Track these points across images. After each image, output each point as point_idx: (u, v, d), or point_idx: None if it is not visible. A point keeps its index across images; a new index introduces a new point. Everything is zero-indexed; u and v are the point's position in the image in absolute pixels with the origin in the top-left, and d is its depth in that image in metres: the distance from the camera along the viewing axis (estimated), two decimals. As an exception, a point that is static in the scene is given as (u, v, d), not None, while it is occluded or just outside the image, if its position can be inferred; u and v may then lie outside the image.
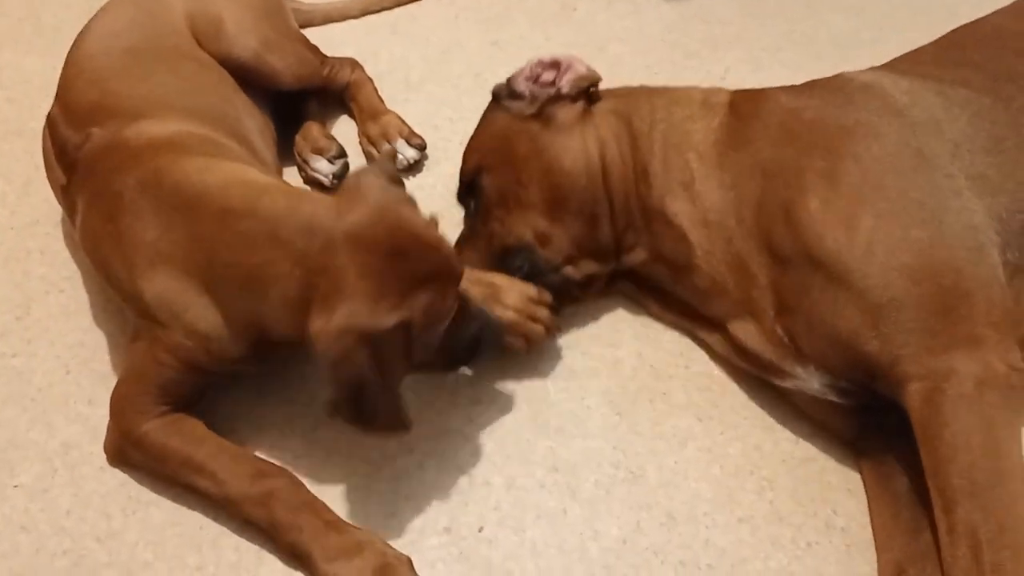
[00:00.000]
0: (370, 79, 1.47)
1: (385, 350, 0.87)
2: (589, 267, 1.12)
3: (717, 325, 1.10)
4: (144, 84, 1.13)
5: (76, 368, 1.14)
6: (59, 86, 1.17)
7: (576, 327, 1.18)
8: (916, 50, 1.15)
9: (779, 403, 1.10)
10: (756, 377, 1.10)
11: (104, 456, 1.05)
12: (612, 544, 0.98)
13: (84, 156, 1.06)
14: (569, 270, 1.11)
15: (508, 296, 1.07)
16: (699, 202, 1.06)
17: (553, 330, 1.10)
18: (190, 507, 1.01)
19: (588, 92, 1.14)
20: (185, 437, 1.00)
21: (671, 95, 1.14)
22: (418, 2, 1.68)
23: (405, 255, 0.88)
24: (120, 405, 1.03)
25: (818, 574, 0.96)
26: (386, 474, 1.04)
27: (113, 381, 1.11)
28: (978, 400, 0.87)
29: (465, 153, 1.17)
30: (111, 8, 1.25)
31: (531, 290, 1.08)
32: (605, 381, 1.13)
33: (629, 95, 1.15)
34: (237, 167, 1.01)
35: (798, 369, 1.02)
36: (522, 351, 1.09)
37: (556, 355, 1.15)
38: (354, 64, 1.47)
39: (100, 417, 1.09)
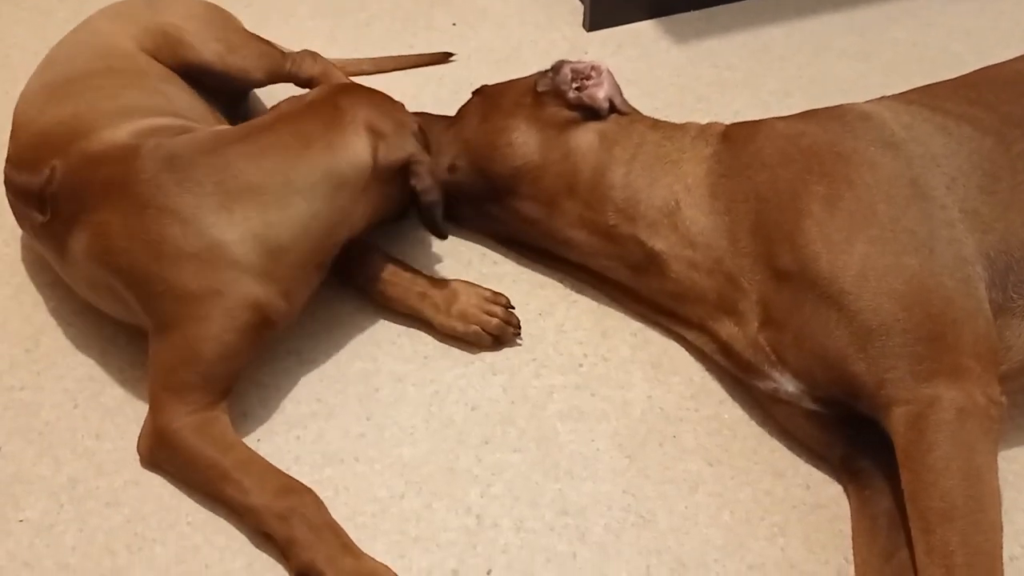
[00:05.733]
0: (335, 67, 1.46)
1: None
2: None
3: (696, 324, 1.14)
4: (74, 106, 1.15)
5: (84, 402, 1.14)
6: (8, 147, 1.19)
7: (585, 368, 1.18)
8: (934, 84, 1.18)
9: (789, 447, 1.09)
10: (740, 381, 1.13)
11: (110, 492, 1.05)
12: (622, 590, 0.97)
13: (61, 186, 1.08)
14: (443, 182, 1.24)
15: (463, 296, 1.19)
16: (683, 227, 1.10)
17: (512, 322, 1.19)
18: (195, 546, 1.00)
19: (589, 107, 1.20)
20: (215, 440, 1.02)
21: (667, 131, 1.19)
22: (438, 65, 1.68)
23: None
24: (161, 398, 1.04)
25: (830, 623, 0.95)
26: (394, 514, 1.03)
27: (122, 416, 1.12)
28: (960, 428, 0.90)
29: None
30: (44, 60, 1.29)
31: (485, 292, 1.20)
32: (614, 423, 1.12)
33: (628, 124, 1.19)
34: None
35: (775, 373, 1.05)
36: (487, 344, 1.18)
37: (565, 396, 1.15)
38: (315, 56, 1.46)
39: (107, 452, 1.09)
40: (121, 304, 1.09)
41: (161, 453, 1.05)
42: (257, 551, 1.00)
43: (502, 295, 1.21)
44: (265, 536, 0.99)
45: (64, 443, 1.10)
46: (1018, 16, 1.79)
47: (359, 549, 0.97)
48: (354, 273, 1.22)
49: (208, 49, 1.31)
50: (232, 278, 1.03)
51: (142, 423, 1.09)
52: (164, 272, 1.02)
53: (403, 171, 1.14)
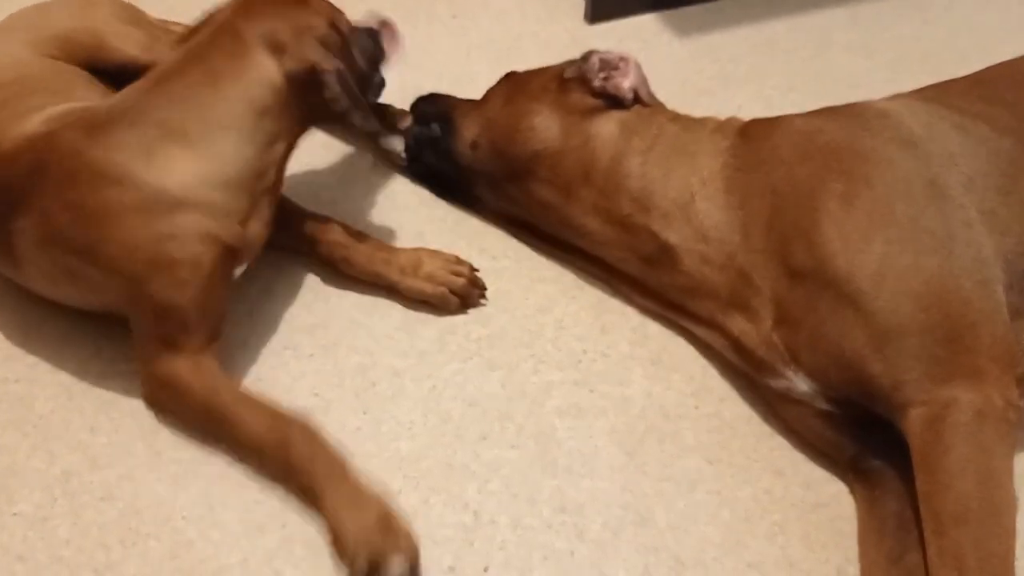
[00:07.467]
0: None
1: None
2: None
3: (706, 320, 1.13)
4: None
5: (79, 395, 1.13)
6: None
7: (584, 364, 1.17)
8: (950, 81, 1.17)
9: (790, 446, 1.09)
10: (741, 379, 1.11)
11: (104, 486, 1.04)
12: (619, 588, 0.97)
13: None
14: (466, 159, 1.27)
15: (428, 260, 1.21)
16: (697, 220, 1.10)
17: (478, 283, 1.22)
18: (190, 541, 1.00)
19: (613, 96, 1.19)
20: (208, 381, 1.05)
21: (686, 123, 1.18)
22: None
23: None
24: (150, 348, 1.06)
25: (829, 623, 0.95)
26: (390, 510, 1.03)
27: (116, 409, 1.11)
28: (977, 431, 0.89)
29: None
30: None
31: (450, 256, 1.22)
32: (613, 420, 1.12)
33: (650, 115, 1.19)
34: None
35: (788, 372, 1.04)
36: (453, 306, 1.20)
37: (563, 392, 1.14)
38: None
39: (102, 445, 1.08)
40: (85, 286, 1.09)
41: (162, 395, 1.07)
42: (252, 546, 0.99)
43: (466, 261, 1.22)
44: (266, 468, 1.02)
45: (58, 436, 1.09)
46: (1022, 12, 1.78)
47: (355, 473, 0.99)
48: (316, 244, 1.22)
49: (132, 44, 1.32)
50: (182, 219, 1.04)
51: (137, 417, 1.09)
52: (115, 234, 1.03)
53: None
